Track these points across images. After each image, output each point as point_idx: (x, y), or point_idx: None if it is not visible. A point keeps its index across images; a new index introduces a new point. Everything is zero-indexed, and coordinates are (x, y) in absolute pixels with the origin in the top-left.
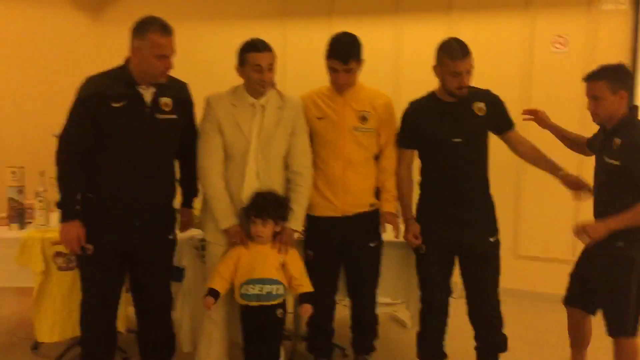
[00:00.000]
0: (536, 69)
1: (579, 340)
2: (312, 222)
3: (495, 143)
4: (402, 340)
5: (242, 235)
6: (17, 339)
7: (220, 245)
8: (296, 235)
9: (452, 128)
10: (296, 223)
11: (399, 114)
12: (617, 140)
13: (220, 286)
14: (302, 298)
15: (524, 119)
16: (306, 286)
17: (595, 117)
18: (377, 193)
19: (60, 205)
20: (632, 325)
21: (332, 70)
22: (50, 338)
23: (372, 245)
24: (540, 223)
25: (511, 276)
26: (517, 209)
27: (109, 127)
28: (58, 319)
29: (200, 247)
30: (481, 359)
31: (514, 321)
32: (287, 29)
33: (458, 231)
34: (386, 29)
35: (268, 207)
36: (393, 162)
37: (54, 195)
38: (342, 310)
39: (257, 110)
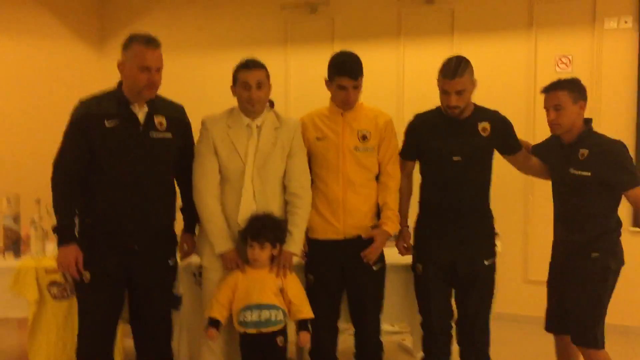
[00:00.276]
0: (540, 90)
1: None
2: (313, 245)
3: (503, 167)
4: None
5: (237, 260)
6: None
7: (217, 271)
8: (295, 259)
9: (453, 146)
10: (294, 246)
11: (400, 135)
12: (584, 152)
13: (220, 314)
14: (301, 325)
15: None
16: (305, 312)
17: (557, 127)
18: (379, 214)
19: (56, 229)
20: (602, 337)
21: (339, 88)
22: None
23: (375, 268)
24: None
25: (521, 301)
26: (526, 231)
27: (103, 146)
28: (52, 350)
29: (198, 273)
30: None
31: (524, 348)
32: (289, 55)
33: (454, 252)
34: (388, 52)
35: (265, 229)
36: (396, 182)
37: (50, 223)
38: (347, 339)
39: (252, 131)
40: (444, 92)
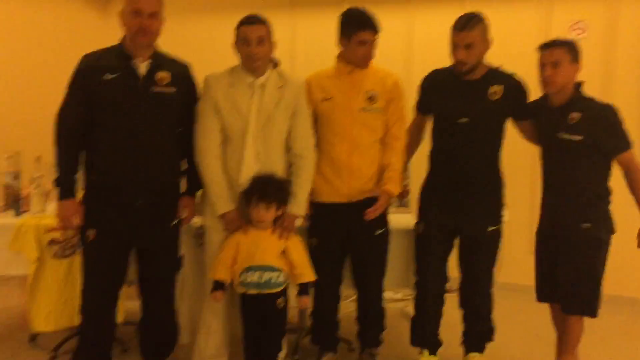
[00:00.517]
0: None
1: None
2: (317, 208)
3: (510, 137)
4: None
5: (239, 221)
6: (14, 331)
7: (220, 232)
8: (299, 221)
9: (460, 107)
10: (298, 208)
11: (409, 99)
12: (575, 115)
13: (225, 275)
14: (302, 289)
15: None
16: (307, 275)
17: (552, 85)
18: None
19: (57, 182)
20: (596, 305)
21: (360, 44)
22: (45, 327)
23: (378, 233)
24: None
25: (526, 272)
26: (533, 202)
27: (102, 99)
28: (53, 308)
29: (199, 235)
30: (467, 348)
31: (529, 317)
32: (296, 18)
33: (457, 217)
34: (398, 18)
35: (271, 190)
36: (401, 141)
37: (51, 181)
38: (350, 305)
39: (255, 89)
40: (454, 47)
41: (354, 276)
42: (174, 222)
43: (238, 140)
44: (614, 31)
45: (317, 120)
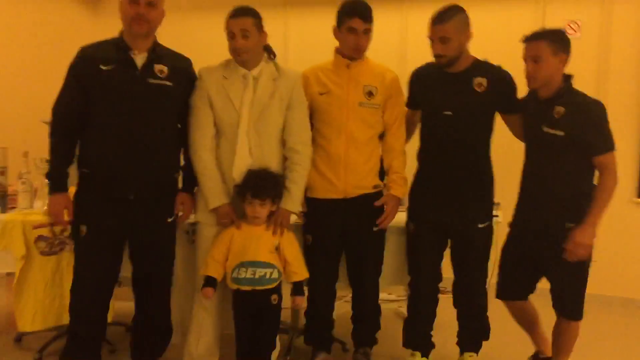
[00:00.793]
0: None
1: (528, 321)
2: (312, 204)
3: (505, 136)
4: None
5: (232, 215)
6: None
7: (212, 227)
8: (293, 218)
9: (444, 99)
10: (292, 204)
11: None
12: (560, 109)
13: (216, 272)
14: (296, 288)
15: None
16: (300, 273)
17: (534, 81)
18: (382, 174)
19: (49, 176)
20: (582, 309)
21: (350, 31)
22: (31, 327)
23: (375, 229)
24: None
25: None
26: None
27: (97, 90)
28: (40, 306)
29: (191, 231)
30: (462, 348)
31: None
32: (289, 17)
33: (447, 214)
34: (392, 16)
35: (266, 185)
36: (401, 141)
37: (38, 177)
38: (344, 306)
39: (249, 82)
40: (430, 40)
41: (350, 273)
42: (170, 219)
43: (231, 133)
44: (608, 31)
45: (313, 114)
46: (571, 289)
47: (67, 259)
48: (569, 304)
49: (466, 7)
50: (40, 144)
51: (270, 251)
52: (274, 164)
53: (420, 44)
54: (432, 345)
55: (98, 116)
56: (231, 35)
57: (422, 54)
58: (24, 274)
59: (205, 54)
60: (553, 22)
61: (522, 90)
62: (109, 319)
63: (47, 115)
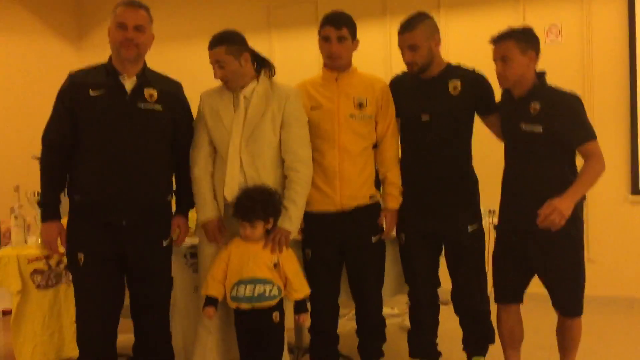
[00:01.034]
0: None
1: (515, 337)
2: (309, 218)
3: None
4: None
5: (219, 231)
6: None
7: (212, 245)
8: (293, 236)
9: (421, 105)
10: (289, 223)
11: None
12: (536, 105)
13: (217, 291)
14: (298, 305)
15: None
16: (302, 291)
17: (504, 80)
18: (377, 184)
19: (41, 204)
20: (582, 304)
21: (324, 40)
22: None
23: (374, 240)
24: None
25: None
26: None
27: (87, 116)
28: (39, 341)
29: (188, 254)
30: (469, 354)
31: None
32: (273, 41)
33: (435, 221)
34: (375, 33)
35: (253, 207)
36: (394, 152)
37: (31, 211)
38: (347, 324)
39: (240, 102)
40: (400, 48)
41: (352, 286)
42: (166, 242)
43: (224, 152)
44: (589, 33)
45: None
46: (568, 285)
47: (64, 291)
48: (568, 301)
49: (444, 12)
50: (31, 178)
51: (269, 267)
52: (271, 182)
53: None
54: (439, 354)
55: (88, 141)
56: (213, 65)
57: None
58: (21, 309)
59: (192, 82)
60: (533, 26)
61: (498, 92)
62: None
63: (37, 150)
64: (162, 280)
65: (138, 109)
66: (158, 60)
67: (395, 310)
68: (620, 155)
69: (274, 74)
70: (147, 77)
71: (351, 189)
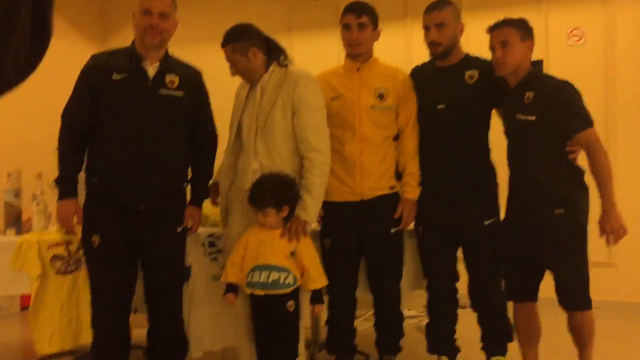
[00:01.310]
0: (553, 64)
1: (531, 334)
2: (329, 208)
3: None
4: None
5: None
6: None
7: (236, 230)
8: (312, 226)
9: (438, 93)
10: (305, 213)
11: None
12: (529, 94)
13: (235, 277)
14: (315, 295)
15: None
16: (319, 281)
17: (503, 66)
18: (398, 175)
19: (58, 182)
20: (589, 296)
21: (345, 28)
22: (49, 349)
23: (393, 231)
24: None
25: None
26: None
27: (108, 99)
28: (57, 327)
29: (208, 243)
30: (488, 353)
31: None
32: (294, 43)
33: (451, 213)
34: (396, 36)
35: (264, 195)
36: (414, 143)
37: (53, 200)
38: (363, 324)
39: (257, 92)
40: (425, 28)
41: (370, 278)
42: (180, 229)
43: (244, 140)
44: (612, 37)
45: (327, 119)
46: (574, 277)
47: (83, 277)
48: (576, 294)
49: (465, 14)
50: (53, 166)
51: (286, 256)
52: (288, 170)
53: (424, 59)
54: (458, 349)
55: (107, 125)
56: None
57: None
58: (40, 294)
59: (215, 85)
60: (556, 30)
61: None
62: None
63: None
64: (175, 266)
65: (159, 95)
66: None
67: (413, 311)
68: None
69: (289, 61)
70: (169, 63)
71: (371, 179)
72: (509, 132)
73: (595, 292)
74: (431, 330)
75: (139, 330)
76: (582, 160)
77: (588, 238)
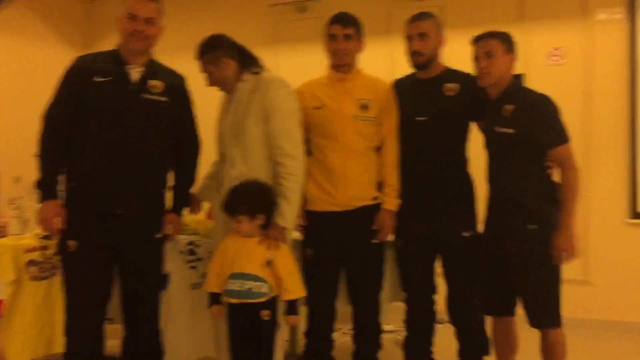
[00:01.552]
0: (533, 83)
1: (508, 349)
2: (311, 217)
3: None
4: None
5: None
6: None
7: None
8: (288, 232)
9: (417, 106)
10: (281, 219)
11: None
12: (509, 107)
13: (217, 286)
14: (290, 306)
15: None
16: (294, 292)
17: (487, 77)
18: (380, 186)
19: (39, 184)
20: (559, 314)
21: (330, 39)
22: (21, 356)
23: (374, 242)
24: None
25: None
26: None
27: (90, 102)
28: (29, 335)
29: (187, 251)
30: None
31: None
32: (279, 55)
33: (430, 225)
34: (379, 50)
35: (235, 201)
36: (395, 155)
37: (31, 203)
38: (342, 338)
39: (233, 100)
40: (408, 38)
41: (350, 289)
42: (159, 235)
43: (223, 150)
44: (592, 57)
45: (310, 129)
46: (543, 294)
47: (58, 284)
48: (545, 311)
49: (450, 37)
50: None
51: (261, 265)
52: (264, 177)
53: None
54: None
55: (89, 128)
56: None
57: None
58: (14, 300)
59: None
60: (537, 49)
61: None
62: None
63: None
64: (153, 273)
65: (142, 99)
66: None
67: (391, 326)
68: (619, 179)
69: (262, 68)
70: (154, 68)
71: (354, 189)
72: (488, 145)
73: (571, 309)
74: (409, 343)
75: (114, 341)
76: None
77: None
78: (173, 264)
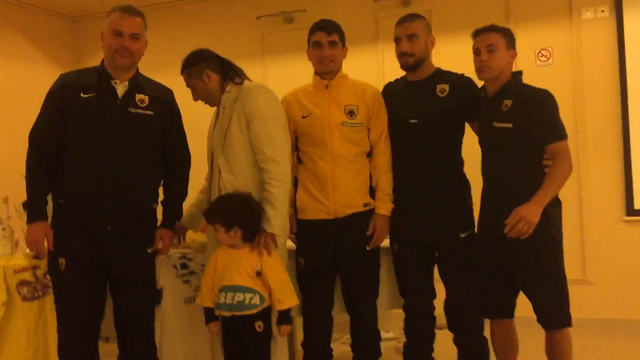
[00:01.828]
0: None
1: (508, 352)
2: (303, 226)
3: None
4: None
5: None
6: None
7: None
8: (280, 239)
9: (409, 108)
10: (268, 225)
11: None
12: (507, 102)
13: (211, 301)
14: (281, 316)
15: None
16: (286, 301)
17: (487, 70)
18: (373, 192)
19: (27, 205)
20: (568, 313)
21: (315, 46)
22: None
23: (368, 248)
24: None
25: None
26: None
27: (76, 118)
28: (24, 357)
29: (179, 265)
30: None
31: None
32: (267, 66)
33: (426, 228)
34: (368, 57)
35: (213, 211)
36: (387, 159)
37: (19, 223)
38: (339, 347)
39: (219, 111)
40: (397, 40)
41: (345, 297)
42: (150, 250)
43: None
44: (579, 57)
45: (299, 137)
46: (549, 293)
47: (50, 303)
48: (553, 311)
49: (437, 41)
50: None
51: (251, 276)
52: (249, 187)
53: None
54: None
55: (76, 144)
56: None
57: None
58: (6, 322)
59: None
60: (524, 50)
61: None
62: None
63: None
64: (145, 288)
65: (128, 114)
66: None
67: (391, 333)
68: (614, 177)
69: (244, 78)
70: (139, 82)
71: (345, 197)
72: (484, 141)
73: (570, 309)
74: (409, 349)
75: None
76: None
77: (562, 253)
78: (166, 278)
